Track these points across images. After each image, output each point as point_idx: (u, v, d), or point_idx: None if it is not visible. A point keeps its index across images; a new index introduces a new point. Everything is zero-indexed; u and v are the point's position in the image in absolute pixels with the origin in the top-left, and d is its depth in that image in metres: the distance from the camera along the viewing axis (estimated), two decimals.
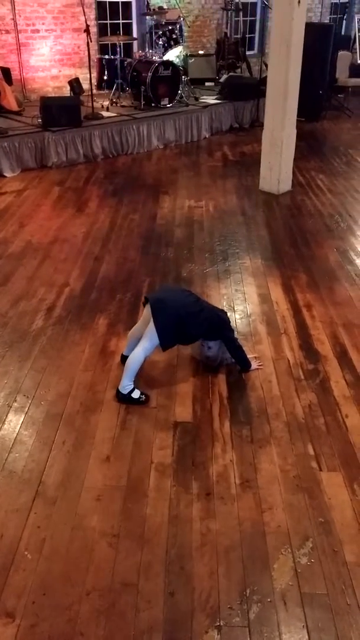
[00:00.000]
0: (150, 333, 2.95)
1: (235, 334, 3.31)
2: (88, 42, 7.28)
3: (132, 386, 2.97)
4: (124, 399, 2.97)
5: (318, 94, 9.44)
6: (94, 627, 1.94)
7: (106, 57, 8.45)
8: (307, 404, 3.02)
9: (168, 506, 2.39)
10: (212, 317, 3.13)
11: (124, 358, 3.29)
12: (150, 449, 2.69)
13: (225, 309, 3.87)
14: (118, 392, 2.98)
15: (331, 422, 2.89)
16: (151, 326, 2.93)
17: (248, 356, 3.25)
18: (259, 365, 3.28)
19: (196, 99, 8.88)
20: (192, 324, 3.01)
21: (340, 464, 2.63)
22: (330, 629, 1.94)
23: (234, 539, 2.25)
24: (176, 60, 8.62)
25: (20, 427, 2.81)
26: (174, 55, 8.71)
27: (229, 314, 3.78)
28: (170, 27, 8.75)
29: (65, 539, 2.24)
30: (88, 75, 7.64)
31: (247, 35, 11.42)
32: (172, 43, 8.70)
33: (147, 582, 2.08)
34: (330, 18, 13.21)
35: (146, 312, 3.08)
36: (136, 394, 2.97)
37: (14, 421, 2.85)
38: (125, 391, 2.96)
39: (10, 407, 2.94)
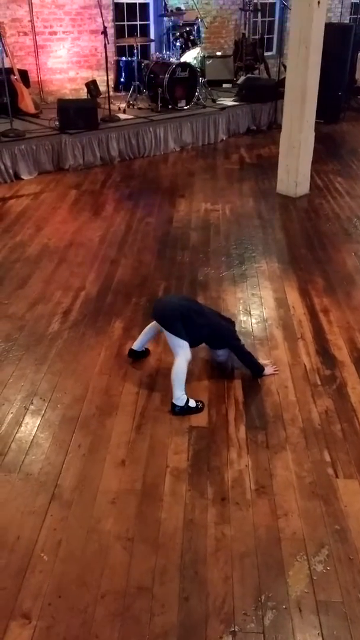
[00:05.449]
0: (174, 346, 2.99)
1: (243, 341, 3.31)
2: (105, 44, 7.31)
3: (185, 397, 2.93)
4: (181, 411, 2.91)
5: (337, 96, 9.39)
6: (109, 630, 1.95)
7: (123, 59, 8.50)
8: (324, 409, 3.00)
9: (183, 511, 2.40)
10: (214, 324, 3.16)
11: (132, 352, 3.36)
12: (166, 454, 2.70)
13: (241, 313, 3.88)
14: (174, 405, 2.92)
15: (348, 428, 2.87)
16: (171, 339, 2.98)
17: (262, 362, 3.25)
18: (275, 370, 3.28)
19: (213, 100, 8.87)
20: (191, 323, 3.01)
21: (357, 470, 2.61)
22: (345, 637, 1.94)
23: (249, 545, 2.25)
24: (193, 62, 8.61)
25: (37, 429, 2.84)
26: (191, 56, 8.69)
27: (245, 319, 3.79)
28: (187, 29, 8.74)
29: (81, 542, 2.26)
30: (105, 78, 7.67)
31: (265, 36, 11.37)
32: (189, 44, 8.68)
33: (162, 586, 2.09)
34: (350, 18, 13.12)
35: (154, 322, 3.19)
36: (192, 403, 2.94)
37: (31, 424, 2.87)
38: (181, 403, 2.91)
39: (27, 409, 2.97)
